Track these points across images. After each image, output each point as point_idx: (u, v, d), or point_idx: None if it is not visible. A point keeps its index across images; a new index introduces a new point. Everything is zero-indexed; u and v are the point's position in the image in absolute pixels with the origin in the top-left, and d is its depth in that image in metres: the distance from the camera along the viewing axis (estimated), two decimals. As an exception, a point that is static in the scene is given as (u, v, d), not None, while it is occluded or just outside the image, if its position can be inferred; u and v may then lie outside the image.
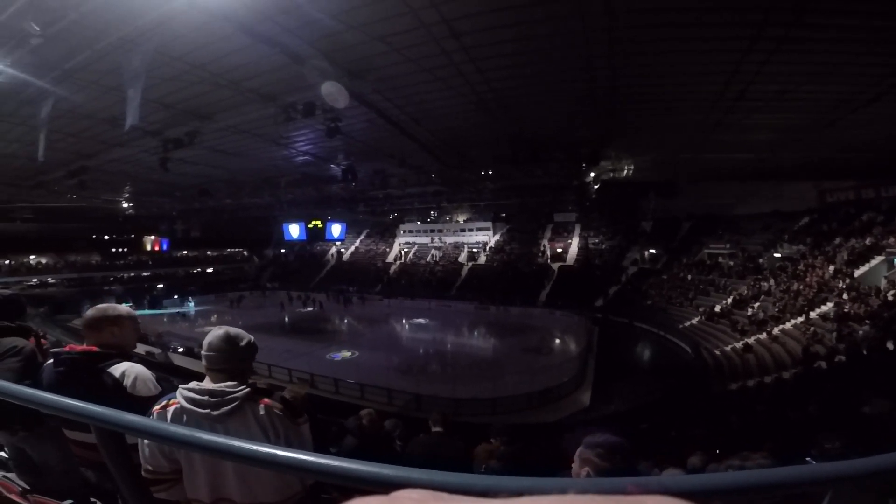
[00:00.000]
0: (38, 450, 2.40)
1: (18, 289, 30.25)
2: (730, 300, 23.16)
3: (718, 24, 8.95)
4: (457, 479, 0.80)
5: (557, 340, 24.84)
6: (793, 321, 17.92)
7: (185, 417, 1.56)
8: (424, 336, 26.33)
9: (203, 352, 1.68)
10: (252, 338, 1.75)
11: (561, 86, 12.79)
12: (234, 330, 1.71)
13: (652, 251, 33.57)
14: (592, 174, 23.43)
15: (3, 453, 2.78)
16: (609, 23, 9.03)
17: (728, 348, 18.75)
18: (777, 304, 19.85)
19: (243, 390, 1.60)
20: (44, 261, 37.39)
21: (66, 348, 2.05)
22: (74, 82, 10.48)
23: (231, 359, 1.66)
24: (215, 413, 1.55)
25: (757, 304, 21.04)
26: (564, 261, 37.35)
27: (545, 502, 0.26)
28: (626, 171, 23.92)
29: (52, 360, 2.02)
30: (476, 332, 27.59)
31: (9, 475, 2.42)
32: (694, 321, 23.44)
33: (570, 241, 38.96)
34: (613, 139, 17.98)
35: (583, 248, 37.68)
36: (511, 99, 13.72)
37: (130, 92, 8.66)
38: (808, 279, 19.95)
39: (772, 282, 22.18)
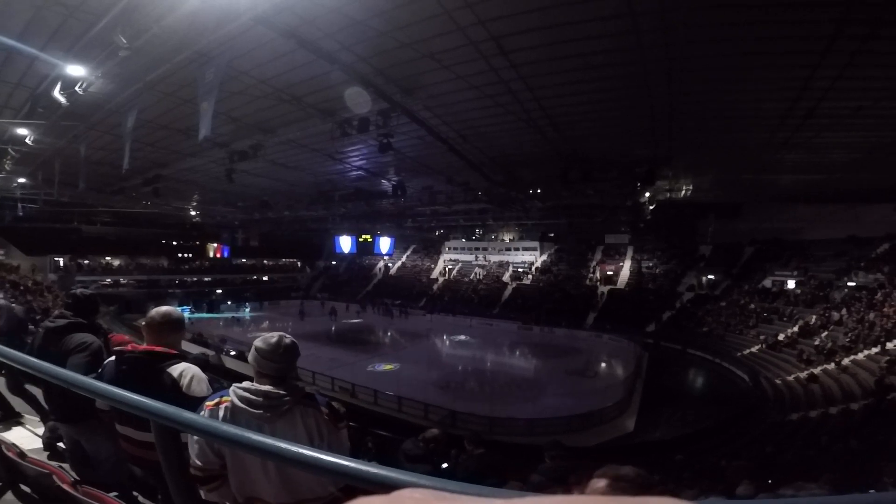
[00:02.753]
0: (92, 443, 2.61)
1: (94, 287, 33.13)
2: (795, 329, 21.58)
3: (784, 37, 8.56)
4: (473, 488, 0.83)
5: (603, 364, 23.94)
6: (866, 352, 16.53)
7: (236, 416, 1.63)
8: (464, 353, 26.14)
9: (254, 355, 1.74)
10: (296, 343, 1.81)
11: (615, 103, 12.55)
12: (286, 336, 1.77)
13: (710, 276, 31.85)
14: (647, 194, 22.71)
15: (61, 444, 3.03)
16: (667, 39, 8.86)
17: (791, 378, 17.48)
18: (849, 335, 18.34)
19: (294, 395, 1.69)
20: (118, 262, 40.46)
21: (129, 347, 2.21)
22: (154, 94, 11.46)
23: (280, 365, 1.72)
24: (268, 414, 1.63)
25: (825, 334, 19.54)
26: (615, 284, 36.11)
27: (549, 502, 0.26)
28: (683, 192, 23.04)
29: (114, 358, 2.18)
30: (518, 352, 27.08)
31: (63, 465, 2.61)
32: (754, 349, 22.14)
33: (621, 263, 37.66)
34: (671, 158, 17.36)
35: (635, 272, 36.30)
36: (562, 117, 13.59)
37: (204, 105, 9.16)
38: (885, 309, 18.31)
39: (844, 311, 20.49)
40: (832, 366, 16.87)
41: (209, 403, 1.70)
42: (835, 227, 26.20)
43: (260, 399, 1.65)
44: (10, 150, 14.98)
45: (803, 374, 17.24)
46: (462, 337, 29.71)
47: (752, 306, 26.33)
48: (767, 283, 27.91)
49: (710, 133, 14.44)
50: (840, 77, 9.70)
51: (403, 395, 15.29)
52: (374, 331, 32.09)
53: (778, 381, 17.69)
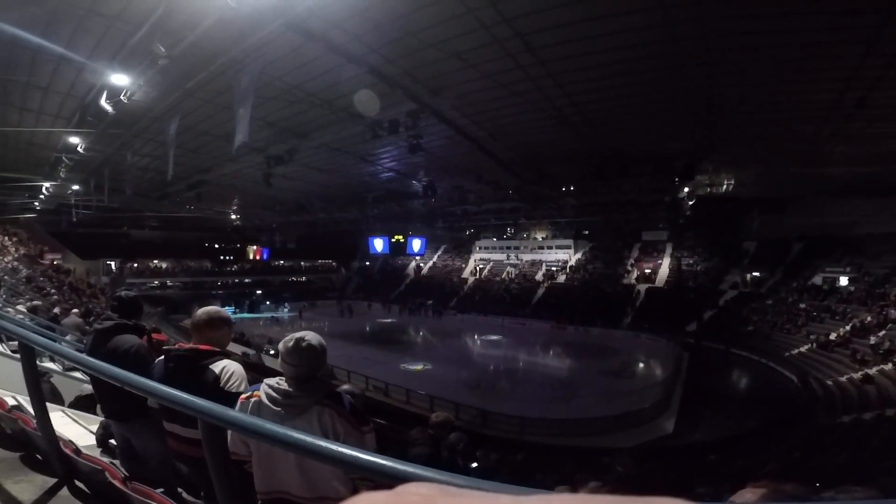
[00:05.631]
0: (141, 440, 2.74)
1: (144, 290, 34.89)
2: (848, 328, 20.38)
3: (828, 27, 8.13)
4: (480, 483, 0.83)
5: (641, 364, 23.36)
6: (927, 352, 15.45)
7: (261, 410, 1.71)
8: (496, 352, 26.00)
9: (279, 357, 1.81)
10: (321, 342, 1.80)
11: (650, 97, 12.23)
12: (306, 336, 1.77)
13: (756, 274, 30.49)
14: (687, 189, 22.00)
15: (113, 441, 3.18)
16: (703, 30, 8.56)
17: (843, 379, 16.54)
18: (908, 333, 17.24)
19: (313, 395, 1.73)
20: (164, 265, 42.46)
21: (176, 346, 2.32)
22: (194, 101, 11.96)
23: (299, 366, 1.75)
24: (286, 412, 1.69)
25: (882, 333, 18.37)
26: (653, 282, 35.06)
27: (556, 501, 0.26)
28: (725, 187, 22.20)
29: (162, 357, 2.30)
30: (550, 352, 26.70)
31: (115, 462, 2.71)
32: (803, 349, 21.09)
33: (660, 261, 36.56)
34: (711, 152, 16.75)
35: (674, 269, 35.13)
36: (594, 112, 13.34)
37: (240, 111, 9.44)
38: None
39: (903, 309, 19.29)
40: (889, 366, 15.92)
41: (243, 396, 1.81)
42: (892, 221, 24.56)
43: (280, 397, 1.72)
44: (63, 158, 15.94)
45: (857, 375, 16.31)
46: (493, 337, 29.54)
47: (802, 304, 25.04)
48: (818, 280, 26.48)
49: (753, 125, 13.88)
50: (891, 66, 9.14)
51: (435, 395, 15.33)
52: (406, 330, 32.39)
53: (829, 382, 16.79)
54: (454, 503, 0.25)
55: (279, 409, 1.70)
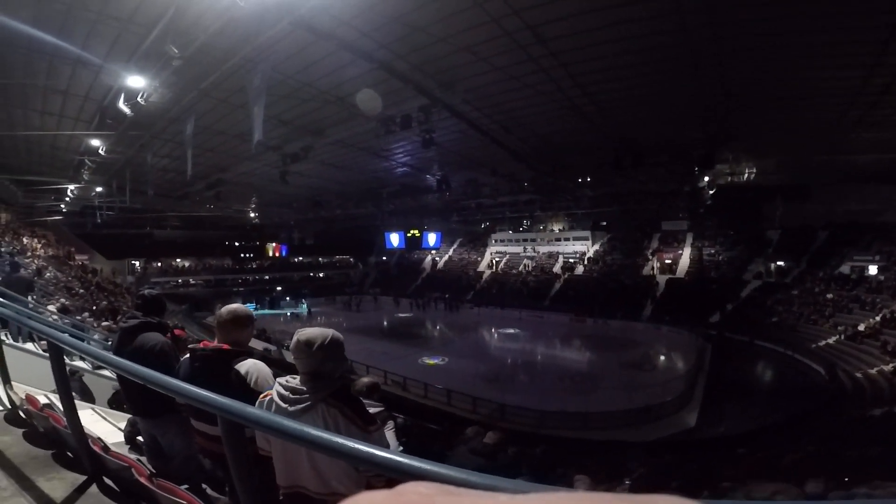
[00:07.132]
0: (166, 437, 2.80)
1: (168, 288, 35.70)
2: (878, 318, 19.72)
3: (846, 13, 7.85)
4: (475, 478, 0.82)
5: (662, 357, 23.05)
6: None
7: (273, 408, 1.73)
8: (514, 346, 25.96)
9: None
10: (332, 336, 1.78)
11: (664, 86, 12.02)
12: (308, 331, 1.76)
13: (780, 263, 29.69)
14: (706, 178, 21.59)
15: (140, 438, 3.26)
16: (713, 19, 8.36)
17: (873, 371, 16.03)
18: (944, 325, 16.59)
19: (319, 393, 1.71)
20: (187, 264, 43.40)
21: (201, 345, 2.34)
22: (209, 101, 12.16)
23: (309, 360, 1.75)
24: (291, 409, 1.69)
25: (915, 323, 17.77)
26: (674, 273, 34.44)
27: (554, 499, 0.26)
28: (746, 175, 21.69)
29: (188, 356, 2.33)
30: (570, 345, 26.45)
31: (141, 458, 2.81)
32: (830, 341, 20.41)
33: (680, 251, 35.86)
34: (730, 140, 16.36)
35: (695, 260, 34.39)
36: (608, 102, 13.18)
37: (255, 109, 9.51)
38: None
39: (938, 300, 18.56)
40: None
41: (262, 396, 1.82)
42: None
43: (289, 394, 1.73)
44: (86, 160, 16.36)
45: (888, 367, 15.75)
46: (511, 330, 29.45)
47: (829, 295, 24.31)
48: (845, 269, 25.60)
49: (773, 113, 13.59)
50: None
51: (452, 389, 15.33)
52: (423, 324, 32.50)
53: (858, 375, 16.26)
54: (452, 502, 0.25)
55: (286, 405, 1.71)
